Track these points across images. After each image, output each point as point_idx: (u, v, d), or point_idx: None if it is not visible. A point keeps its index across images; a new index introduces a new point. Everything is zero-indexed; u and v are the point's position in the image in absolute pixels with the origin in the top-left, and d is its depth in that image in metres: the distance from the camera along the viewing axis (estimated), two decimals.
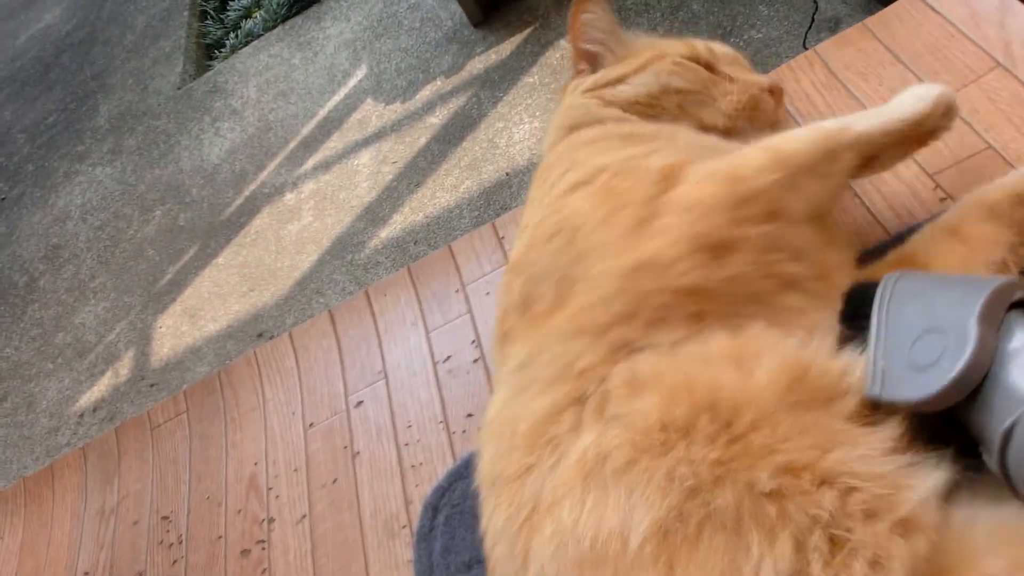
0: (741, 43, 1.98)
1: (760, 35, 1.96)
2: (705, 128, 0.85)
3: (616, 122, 0.85)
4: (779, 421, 0.51)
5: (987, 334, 0.56)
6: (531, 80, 2.24)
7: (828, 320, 0.62)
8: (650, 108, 0.87)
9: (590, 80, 0.91)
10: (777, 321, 0.59)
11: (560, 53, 2.25)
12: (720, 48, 0.93)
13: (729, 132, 0.86)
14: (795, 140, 0.67)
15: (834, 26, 1.87)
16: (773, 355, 0.54)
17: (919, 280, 0.66)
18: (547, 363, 0.61)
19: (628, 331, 0.59)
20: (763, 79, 0.89)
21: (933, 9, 1.00)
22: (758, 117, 0.87)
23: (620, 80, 0.89)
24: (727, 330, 0.58)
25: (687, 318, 0.59)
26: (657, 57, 0.88)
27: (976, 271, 0.72)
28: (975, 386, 0.56)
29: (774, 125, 0.88)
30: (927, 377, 0.57)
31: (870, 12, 1.81)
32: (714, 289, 0.60)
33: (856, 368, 0.57)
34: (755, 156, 0.66)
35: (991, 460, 0.54)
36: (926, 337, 0.60)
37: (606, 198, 0.67)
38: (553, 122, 0.94)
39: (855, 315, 0.66)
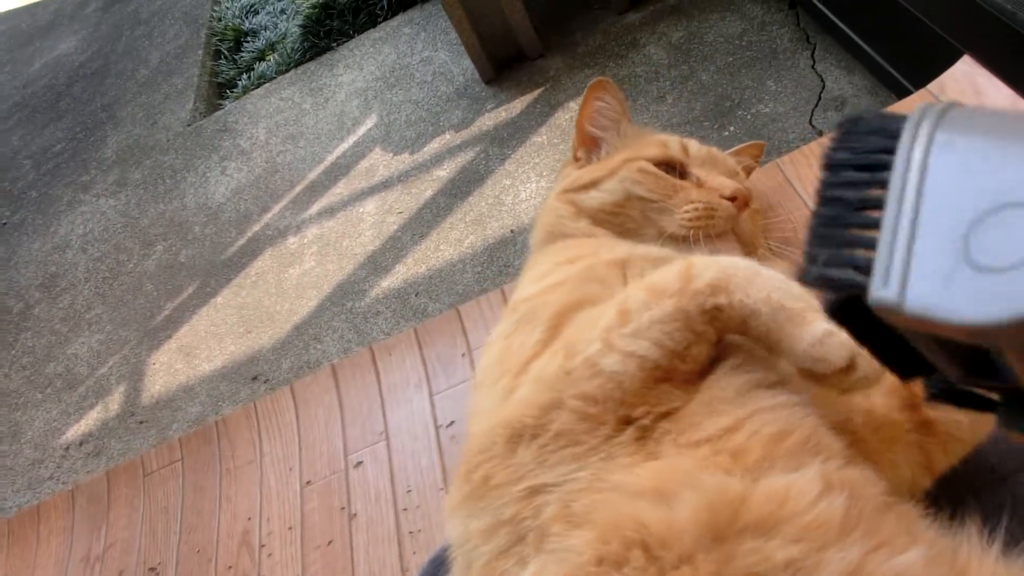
0: (748, 116, 2.02)
1: (767, 109, 2.00)
2: (667, 237, 0.86)
3: (581, 238, 0.88)
4: (699, 559, 0.51)
5: None
6: (540, 139, 2.27)
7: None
8: (615, 217, 0.89)
9: (569, 179, 0.95)
10: None
11: (569, 115, 2.28)
12: (695, 148, 0.94)
13: (689, 241, 0.85)
14: (633, 304, 0.63)
15: (840, 105, 1.91)
16: (694, 491, 0.54)
17: (985, 119, 0.40)
18: (481, 513, 0.63)
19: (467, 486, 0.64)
20: (725, 185, 0.88)
21: None
22: (714, 227, 0.86)
23: (592, 184, 0.92)
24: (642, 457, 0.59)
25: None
26: (627, 161, 0.91)
27: None
28: None
29: (738, 234, 0.88)
30: (1000, 284, 0.34)
31: (876, 95, 1.85)
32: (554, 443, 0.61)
33: (802, 492, 0.53)
34: (605, 320, 0.64)
35: None
36: (1002, 216, 0.36)
37: (501, 358, 0.71)
38: (539, 218, 0.97)
39: (855, 163, 0.42)
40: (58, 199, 3.33)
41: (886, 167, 0.40)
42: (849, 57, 1.96)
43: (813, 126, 1.91)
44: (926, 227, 0.38)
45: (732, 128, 2.02)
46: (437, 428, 1.05)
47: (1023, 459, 0.70)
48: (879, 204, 0.40)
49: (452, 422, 1.04)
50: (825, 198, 0.43)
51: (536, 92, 2.40)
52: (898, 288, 0.37)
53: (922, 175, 0.39)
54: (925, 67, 1.20)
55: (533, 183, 2.17)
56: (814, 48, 2.06)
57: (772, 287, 0.60)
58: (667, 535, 0.52)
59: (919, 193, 0.39)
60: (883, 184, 0.40)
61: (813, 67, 2.03)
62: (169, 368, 2.36)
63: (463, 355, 1.10)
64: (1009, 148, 0.37)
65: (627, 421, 0.60)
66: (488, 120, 2.42)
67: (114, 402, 2.37)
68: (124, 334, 2.55)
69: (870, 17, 1.70)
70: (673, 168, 0.90)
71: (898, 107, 1.08)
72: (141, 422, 2.27)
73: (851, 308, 0.40)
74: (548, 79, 2.42)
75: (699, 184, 0.89)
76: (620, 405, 0.60)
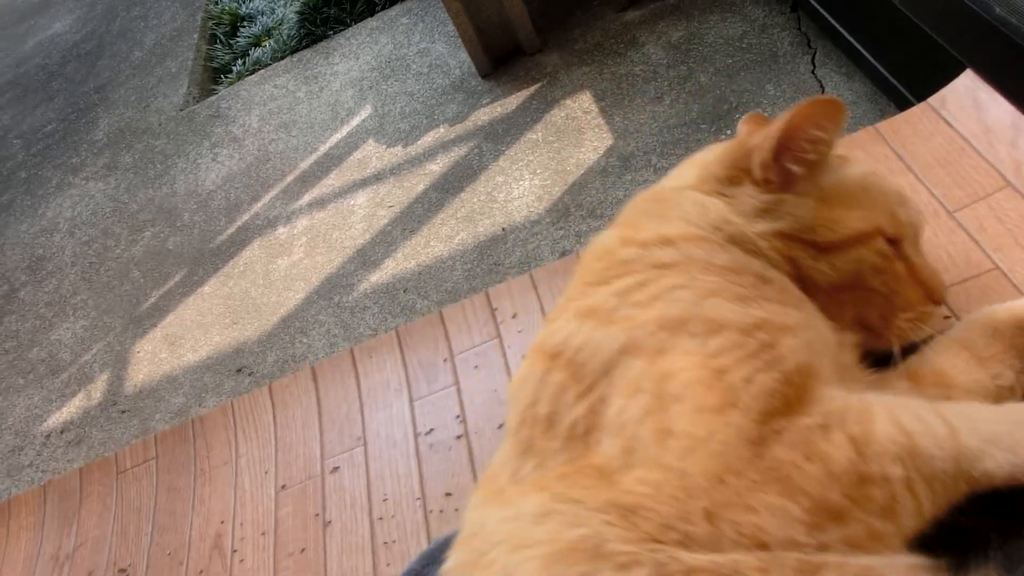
0: None
1: (766, 114, 1.97)
2: (859, 326, 0.74)
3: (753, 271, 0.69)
4: None
5: None
6: (534, 137, 2.24)
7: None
8: (829, 295, 0.74)
9: (790, 222, 0.72)
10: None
11: (565, 112, 2.25)
12: (913, 213, 0.77)
13: (883, 343, 0.75)
14: (939, 439, 0.58)
15: None
16: None
17: None
18: (566, 527, 0.54)
19: (669, 536, 0.53)
20: (938, 285, 0.76)
21: (946, 121, 1.00)
22: (918, 336, 0.76)
23: (826, 248, 0.72)
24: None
25: (737, 544, 0.53)
26: (865, 235, 0.72)
27: (983, 383, 0.71)
28: None
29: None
30: None
31: (876, 103, 1.83)
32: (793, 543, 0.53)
33: None
34: (891, 437, 0.57)
35: None
36: None
37: (715, 383, 0.57)
38: (691, 210, 0.75)
39: None
40: (47, 181, 3.29)
41: None
42: (850, 63, 1.93)
43: None
44: None
45: (729, 132, 1.99)
46: (416, 435, 1.03)
47: None
48: None
49: (431, 429, 1.02)
50: None
51: (532, 88, 2.37)
52: None
53: None
54: (926, 78, 1.18)
55: (527, 181, 2.14)
56: (815, 53, 2.03)
57: None
58: None
59: None
60: None
61: (813, 72, 2.00)
62: (153, 357, 2.33)
63: (445, 360, 1.07)
64: None
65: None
66: (483, 115, 2.39)
67: (97, 390, 2.34)
68: (109, 321, 2.52)
69: (872, 24, 1.68)
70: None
71: (899, 119, 1.06)
72: (123, 411, 2.24)
73: None
74: (545, 75, 2.39)
75: (911, 270, 0.75)
76: (868, 540, 0.54)
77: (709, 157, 0.80)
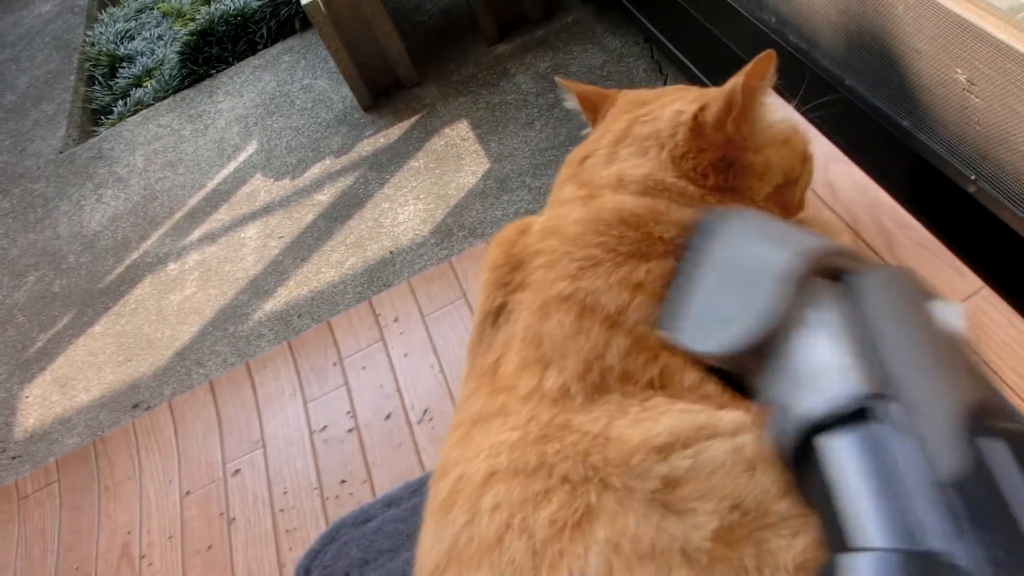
0: None
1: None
2: None
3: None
4: None
5: (790, 298, 0.53)
6: (417, 164, 2.36)
7: None
8: None
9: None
10: None
11: (444, 140, 2.39)
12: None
13: None
14: None
15: None
16: None
17: (747, 223, 0.63)
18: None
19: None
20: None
21: None
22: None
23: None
24: None
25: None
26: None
27: None
28: (770, 349, 0.52)
29: None
30: (722, 331, 0.55)
31: None
32: None
33: None
34: None
35: (778, 427, 0.51)
36: (733, 287, 0.57)
37: None
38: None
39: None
40: None
41: None
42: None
43: None
44: (701, 293, 0.60)
45: None
46: (311, 433, 1.12)
47: None
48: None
49: (325, 426, 1.12)
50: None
51: (413, 119, 2.51)
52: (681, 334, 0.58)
53: (708, 257, 0.62)
54: None
55: (411, 206, 2.26)
56: (666, 79, 2.25)
57: None
58: None
59: (703, 269, 0.60)
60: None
61: None
62: (44, 401, 2.31)
63: (334, 364, 1.17)
64: (751, 244, 0.61)
65: None
66: (367, 146, 2.50)
67: None
68: None
69: (705, 54, 1.89)
70: None
71: None
72: (14, 457, 2.21)
73: None
74: (424, 106, 2.52)
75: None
76: None
77: (665, 151, 0.77)
